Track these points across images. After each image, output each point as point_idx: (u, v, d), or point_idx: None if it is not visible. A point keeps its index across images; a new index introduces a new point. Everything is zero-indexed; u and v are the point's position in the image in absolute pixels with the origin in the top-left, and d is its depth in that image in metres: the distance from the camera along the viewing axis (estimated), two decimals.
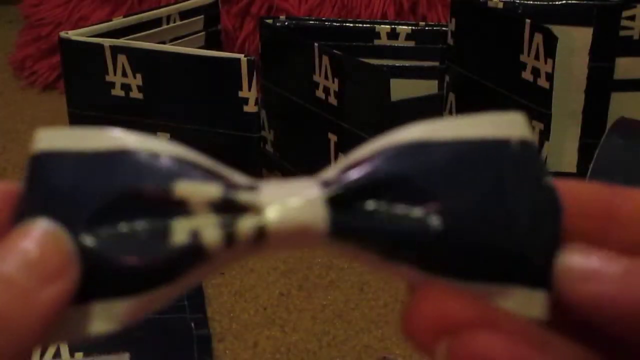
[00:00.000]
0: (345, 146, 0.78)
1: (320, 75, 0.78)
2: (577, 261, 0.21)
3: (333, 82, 0.76)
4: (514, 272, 0.22)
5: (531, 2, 0.80)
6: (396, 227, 0.22)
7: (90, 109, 0.84)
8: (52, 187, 0.22)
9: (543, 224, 0.22)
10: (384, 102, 0.72)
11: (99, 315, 0.21)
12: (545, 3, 0.80)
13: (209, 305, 0.67)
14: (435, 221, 0.22)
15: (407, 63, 0.85)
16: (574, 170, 0.83)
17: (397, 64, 0.84)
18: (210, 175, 0.23)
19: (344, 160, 0.23)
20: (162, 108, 0.81)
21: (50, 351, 0.60)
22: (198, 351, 0.61)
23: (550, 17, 0.77)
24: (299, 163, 0.85)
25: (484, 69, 0.77)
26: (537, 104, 0.73)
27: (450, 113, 0.82)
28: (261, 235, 0.22)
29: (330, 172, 0.23)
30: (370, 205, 0.22)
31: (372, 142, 0.23)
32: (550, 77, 0.71)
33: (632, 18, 0.81)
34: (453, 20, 0.79)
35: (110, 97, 0.82)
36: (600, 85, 0.82)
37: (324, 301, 0.67)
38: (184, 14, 0.89)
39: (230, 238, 0.22)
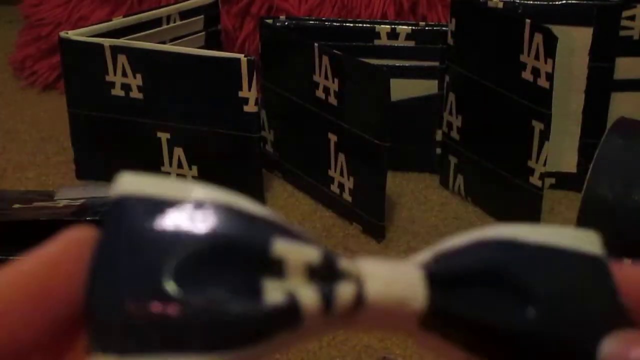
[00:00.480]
0: (345, 146, 0.78)
1: (320, 75, 0.78)
2: (609, 347, 0.22)
3: (333, 82, 0.76)
4: None
5: (531, 2, 0.80)
6: (497, 315, 0.22)
7: (90, 109, 0.84)
8: (136, 232, 0.20)
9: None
10: (384, 102, 0.72)
11: None
12: (545, 3, 0.80)
13: None
14: (530, 312, 0.22)
15: (407, 63, 0.85)
16: (574, 170, 0.83)
17: (397, 64, 0.84)
18: (307, 239, 0.21)
19: (438, 247, 0.23)
20: (162, 108, 0.81)
21: None
22: None
23: (550, 17, 0.77)
24: (299, 163, 0.85)
25: (484, 69, 0.77)
26: (537, 104, 0.73)
27: (450, 113, 0.82)
28: (359, 303, 0.21)
29: (426, 255, 0.23)
30: (471, 292, 0.22)
31: (462, 235, 0.23)
32: (550, 77, 0.71)
33: (632, 18, 0.81)
34: (453, 20, 0.79)
35: (111, 97, 0.82)
36: (600, 85, 0.82)
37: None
38: (184, 14, 0.89)
39: (328, 302, 0.20)
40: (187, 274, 0.20)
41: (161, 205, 0.20)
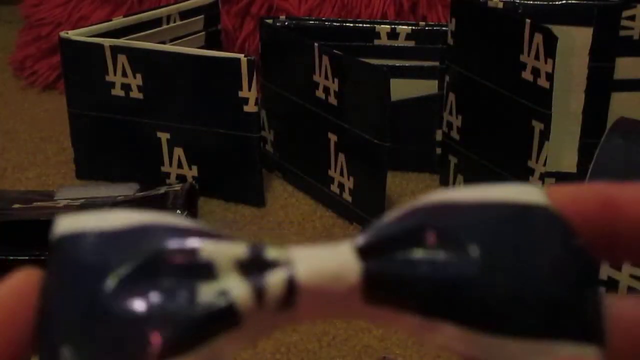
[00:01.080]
0: (345, 146, 0.78)
1: (320, 75, 0.78)
2: (628, 306, 0.21)
3: (333, 82, 0.76)
4: (560, 327, 0.21)
5: (531, 2, 0.80)
6: (434, 268, 0.21)
7: (90, 108, 0.84)
8: (76, 263, 0.21)
9: (582, 279, 0.22)
10: (384, 102, 0.72)
11: None
12: (545, 3, 0.80)
13: None
14: (473, 268, 0.21)
15: (407, 63, 0.85)
16: (574, 170, 0.83)
17: (397, 64, 0.84)
18: (234, 239, 0.22)
19: (375, 224, 0.22)
20: (162, 108, 0.81)
21: None
22: None
23: (550, 17, 0.77)
24: (299, 163, 0.85)
25: (484, 69, 0.77)
26: (537, 104, 0.73)
27: (450, 113, 0.82)
28: (292, 287, 0.21)
29: (362, 235, 0.22)
30: (404, 253, 0.21)
31: (397, 209, 0.23)
32: (550, 77, 0.71)
33: (632, 18, 0.81)
34: (453, 20, 0.79)
35: (110, 97, 0.82)
36: (600, 85, 0.81)
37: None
38: (184, 14, 0.89)
39: (260, 293, 0.20)
40: (123, 290, 0.20)
41: (95, 237, 0.21)
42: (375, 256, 0.21)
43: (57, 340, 0.21)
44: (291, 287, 0.21)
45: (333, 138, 0.79)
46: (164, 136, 0.82)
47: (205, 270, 0.21)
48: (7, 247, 0.70)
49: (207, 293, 0.20)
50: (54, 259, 0.22)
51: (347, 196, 0.79)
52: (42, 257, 0.69)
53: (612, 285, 0.58)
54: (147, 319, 0.20)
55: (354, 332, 0.64)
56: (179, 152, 0.83)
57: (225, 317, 0.20)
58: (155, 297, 0.20)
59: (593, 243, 0.22)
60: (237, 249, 0.21)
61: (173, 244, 0.21)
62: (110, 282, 0.21)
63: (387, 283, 0.21)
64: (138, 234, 0.21)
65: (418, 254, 0.21)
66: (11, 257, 0.69)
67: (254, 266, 0.21)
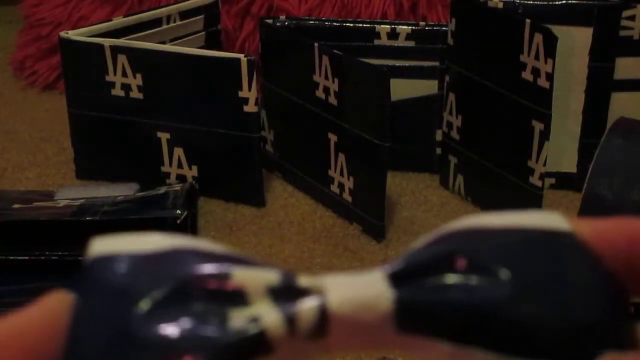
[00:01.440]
0: (345, 146, 0.78)
1: (320, 75, 0.78)
2: None
3: (333, 82, 0.76)
4: (592, 352, 0.21)
5: (531, 2, 0.80)
6: (466, 294, 0.21)
7: (90, 108, 0.84)
8: (107, 287, 0.21)
9: (613, 304, 0.21)
10: (384, 102, 0.72)
11: None
12: (545, 3, 0.80)
13: None
14: (505, 293, 0.21)
15: (407, 63, 0.85)
16: (574, 170, 0.83)
17: (397, 64, 0.84)
18: (266, 265, 0.21)
19: (404, 251, 0.22)
20: (162, 108, 0.81)
21: None
22: None
23: (550, 17, 0.77)
24: (299, 163, 0.85)
25: (484, 69, 0.77)
26: (537, 104, 0.73)
27: (450, 113, 0.82)
28: (323, 316, 0.20)
29: (392, 261, 0.22)
30: (435, 279, 0.21)
31: (427, 236, 0.23)
32: (550, 77, 0.71)
33: (632, 18, 0.80)
34: (453, 20, 0.79)
35: (111, 97, 0.82)
36: (600, 85, 0.81)
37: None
38: (184, 14, 0.89)
39: (291, 321, 0.20)
40: (154, 315, 0.20)
41: (125, 260, 0.21)
42: (407, 283, 0.21)
43: None
44: (323, 316, 0.20)
45: (333, 138, 0.79)
46: (164, 136, 0.82)
47: (237, 297, 0.21)
48: (7, 247, 0.70)
49: (238, 319, 0.20)
50: (85, 281, 0.21)
51: (347, 196, 0.79)
52: (42, 257, 0.69)
53: None
54: (178, 345, 0.20)
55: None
56: (179, 152, 0.83)
57: (257, 345, 0.20)
58: (186, 322, 0.20)
59: (619, 276, 0.22)
60: (269, 276, 0.21)
61: (205, 269, 0.21)
62: (142, 307, 0.20)
63: (420, 310, 0.21)
64: (170, 258, 0.21)
65: (449, 280, 0.21)
66: (11, 257, 0.69)
67: (285, 293, 0.21)
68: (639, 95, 0.83)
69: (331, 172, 0.80)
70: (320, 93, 0.78)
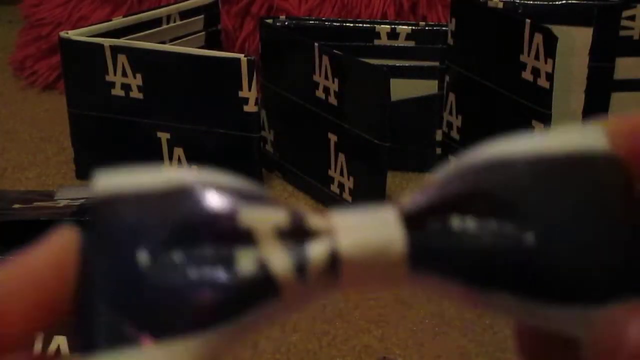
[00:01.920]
0: (345, 146, 0.78)
1: (320, 75, 0.78)
2: None
3: (333, 82, 0.76)
4: (624, 293, 0.19)
5: (531, 2, 0.80)
6: (485, 244, 0.19)
7: (90, 109, 0.84)
8: (114, 226, 0.21)
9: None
10: (384, 102, 0.72)
11: (166, 356, 0.19)
12: (545, 3, 0.80)
13: None
14: (529, 237, 0.19)
15: (407, 63, 0.85)
16: None
17: (397, 64, 0.84)
18: (275, 203, 0.21)
19: (420, 185, 0.21)
20: (162, 108, 0.81)
21: (52, 347, 0.60)
22: None
23: (550, 17, 0.77)
24: (298, 163, 0.85)
25: (484, 69, 0.77)
26: (537, 104, 0.73)
27: (450, 113, 0.82)
28: (334, 261, 0.20)
29: (406, 198, 0.21)
30: (453, 222, 0.20)
31: (449, 164, 0.21)
32: (550, 77, 0.71)
33: (632, 18, 0.80)
34: (453, 20, 0.79)
35: (110, 97, 0.82)
36: (601, 85, 0.81)
37: (324, 300, 0.67)
38: (184, 14, 0.89)
39: (301, 266, 0.20)
40: (161, 256, 0.20)
41: (131, 199, 0.21)
42: (421, 226, 0.20)
43: (94, 304, 0.20)
44: (334, 261, 0.20)
45: (333, 138, 0.79)
46: (164, 136, 0.82)
47: (245, 237, 0.20)
48: (7, 247, 0.70)
49: (246, 262, 0.20)
50: (93, 222, 0.21)
51: (347, 196, 0.79)
52: None
53: None
54: (184, 286, 0.20)
55: (354, 332, 0.64)
56: (179, 152, 0.83)
57: (264, 288, 0.20)
58: (193, 265, 0.20)
59: None
60: (278, 216, 0.20)
61: (212, 208, 0.20)
62: (148, 248, 0.20)
63: (435, 255, 0.20)
64: (178, 196, 0.21)
65: (468, 223, 0.20)
66: (11, 257, 0.69)
67: (295, 235, 0.20)
68: (639, 95, 0.83)
69: (331, 172, 0.80)
70: (320, 93, 0.78)
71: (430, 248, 0.20)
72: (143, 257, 0.20)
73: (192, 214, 0.20)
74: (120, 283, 0.20)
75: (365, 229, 0.20)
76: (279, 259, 0.20)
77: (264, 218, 0.20)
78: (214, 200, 0.21)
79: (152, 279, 0.20)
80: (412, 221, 0.20)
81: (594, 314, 0.19)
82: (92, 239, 0.21)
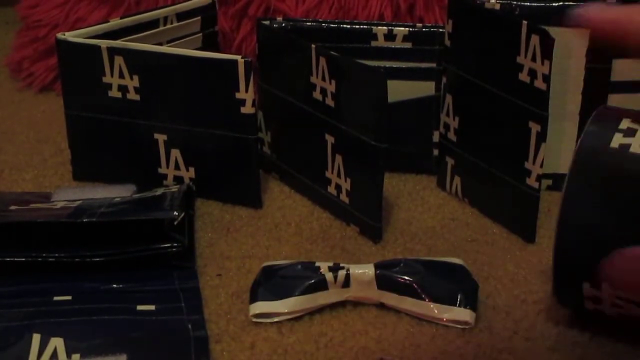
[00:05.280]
0: (342, 147, 0.78)
1: (317, 77, 0.78)
2: None
3: (330, 83, 0.76)
4: None
5: (528, 4, 0.80)
6: None
7: (87, 110, 0.84)
8: None
9: None
10: (381, 104, 0.72)
11: None
12: (543, 4, 0.80)
13: (206, 306, 0.67)
14: None
15: (404, 64, 0.85)
16: None
17: (394, 65, 0.84)
18: None
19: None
20: (159, 110, 0.81)
21: (47, 353, 0.60)
22: (195, 353, 0.61)
23: (548, 19, 0.77)
24: (296, 164, 0.85)
25: (481, 71, 0.77)
26: (534, 105, 0.73)
27: (447, 115, 0.82)
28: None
29: None
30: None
31: None
32: (547, 79, 0.71)
33: None
34: (450, 21, 0.79)
35: (107, 98, 0.82)
36: (598, 86, 0.82)
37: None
38: (181, 16, 0.89)
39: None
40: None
41: None
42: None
43: None
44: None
45: (330, 139, 0.79)
46: (161, 138, 0.82)
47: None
48: (3, 249, 0.70)
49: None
50: None
51: (344, 197, 0.79)
52: (39, 259, 0.69)
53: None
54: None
55: (351, 333, 0.64)
56: (176, 153, 0.83)
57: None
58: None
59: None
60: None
61: None
62: None
63: None
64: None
65: None
66: (8, 259, 0.69)
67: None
68: (635, 96, 0.83)
69: (328, 174, 0.80)
70: (317, 94, 0.78)
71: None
72: None
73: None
74: None
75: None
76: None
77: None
78: None
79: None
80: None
81: None
82: None
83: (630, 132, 0.60)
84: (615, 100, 0.83)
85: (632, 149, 0.59)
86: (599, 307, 0.61)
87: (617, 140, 0.60)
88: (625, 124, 0.61)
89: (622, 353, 0.62)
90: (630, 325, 0.63)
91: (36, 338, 0.60)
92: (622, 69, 0.82)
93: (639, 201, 0.57)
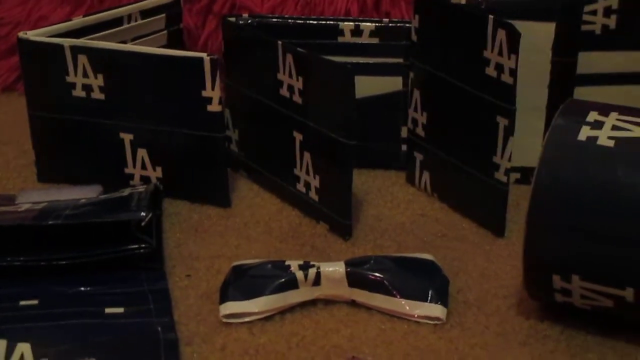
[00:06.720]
0: (310, 145, 0.77)
1: (284, 74, 0.77)
2: None
3: (297, 80, 0.76)
4: None
5: None
6: None
7: (50, 110, 0.83)
8: None
9: None
10: (349, 100, 0.72)
11: None
12: None
13: (176, 308, 0.66)
14: None
15: (371, 60, 0.85)
16: None
17: (361, 61, 0.84)
18: None
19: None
20: (125, 109, 0.80)
21: (14, 359, 0.59)
22: (165, 356, 0.60)
23: (513, 13, 0.77)
24: (264, 162, 0.84)
25: (448, 66, 0.77)
26: (501, 99, 0.73)
27: (415, 110, 0.82)
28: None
29: None
30: None
31: None
32: (513, 73, 0.71)
33: (594, 13, 0.81)
34: (417, 16, 0.79)
35: (71, 98, 0.81)
36: (564, 80, 0.82)
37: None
38: (145, 13, 0.88)
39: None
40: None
41: None
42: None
43: None
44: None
45: (298, 137, 0.78)
46: (127, 137, 0.81)
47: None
48: None
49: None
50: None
51: (313, 195, 0.78)
52: (4, 264, 0.68)
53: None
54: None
55: (322, 332, 0.64)
56: (142, 153, 0.82)
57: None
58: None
59: None
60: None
61: None
62: None
63: None
64: None
65: None
66: None
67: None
68: (601, 89, 0.84)
69: (297, 171, 0.80)
70: (284, 91, 0.78)
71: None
72: None
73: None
74: None
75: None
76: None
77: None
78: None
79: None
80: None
81: None
82: None
83: (597, 125, 0.60)
84: (581, 93, 0.84)
85: (599, 142, 0.59)
86: (569, 300, 0.62)
87: (585, 132, 0.60)
88: (592, 116, 0.61)
89: (592, 345, 0.63)
90: (599, 318, 0.64)
91: (2, 344, 0.59)
92: (588, 62, 0.83)
93: (607, 192, 0.57)
